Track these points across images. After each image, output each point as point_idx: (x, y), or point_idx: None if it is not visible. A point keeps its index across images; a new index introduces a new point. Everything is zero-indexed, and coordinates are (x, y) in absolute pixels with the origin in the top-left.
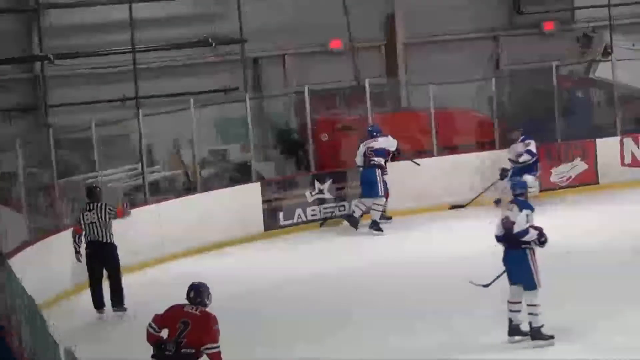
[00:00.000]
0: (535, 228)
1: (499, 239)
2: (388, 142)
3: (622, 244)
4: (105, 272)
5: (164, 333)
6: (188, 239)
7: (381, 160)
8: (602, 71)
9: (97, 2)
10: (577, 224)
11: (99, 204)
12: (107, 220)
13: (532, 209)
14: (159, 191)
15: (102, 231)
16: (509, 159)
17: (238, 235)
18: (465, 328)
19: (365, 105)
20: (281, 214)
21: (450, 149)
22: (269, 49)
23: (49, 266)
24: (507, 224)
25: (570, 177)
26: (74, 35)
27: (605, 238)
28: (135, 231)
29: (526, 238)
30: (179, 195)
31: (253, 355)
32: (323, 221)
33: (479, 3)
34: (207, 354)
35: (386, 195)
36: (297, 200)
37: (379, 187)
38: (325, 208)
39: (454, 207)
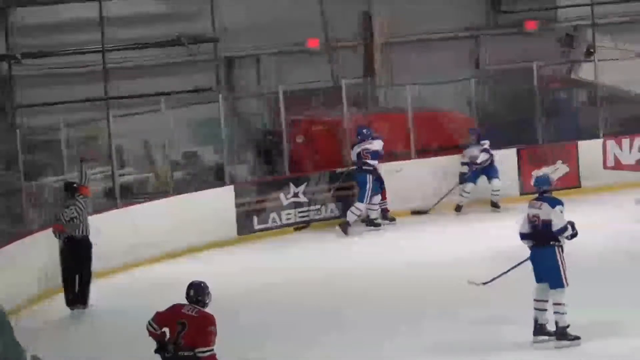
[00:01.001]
0: (568, 222)
1: (524, 236)
2: (381, 145)
3: (606, 247)
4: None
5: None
6: (160, 243)
7: (375, 163)
8: (585, 71)
9: (67, 0)
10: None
11: (73, 199)
12: (84, 210)
13: (562, 204)
14: (130, 194)
15: (80, 225)
16: (465, 163)
17: (211, 239)
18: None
19: (343, 107)
20: (255, 218)
21: (429, 151)
22: (244, 48)
23: (17, 271)
24: (537, 222)
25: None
26: (42, 34)
27: (588, 241)
28: (105, 235)
29: (565, 234)
30: (150, 198)
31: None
32: (303, 225)
33: (459, 2)
34: (200, 358)
35: (383, 195)
36: (272, 203)
37: (366, 195)
38: (300, 212)
39: (415, 212)
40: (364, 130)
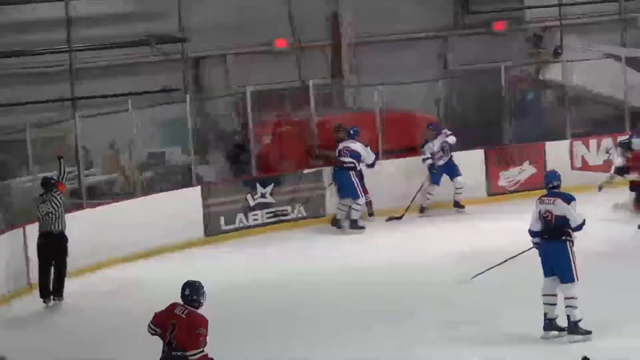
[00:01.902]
0: None
1: (535, 234)
2: (365, 152)
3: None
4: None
5: None
6: (127, 244)
7: (353, 162)
8: (553, 72)
9: (33, 0)
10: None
11: (50, 194)
12: (60, 206)
13: (575, 199)
14: (97, 195)
15: (57, 220)
16: (426, 158)
17: (178, 240)
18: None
19: (310, 107)
20: (222, 219)
21: (397, 152)
22: (211, 48)
23: None
24: (550, 217)
25: (519, 181)
26: (8, 34)
27: None
28: (71, 236)
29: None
30: (117, 199)
31: None
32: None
33: (427, 2)
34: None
35: (365, 190)
36: (239, 204)
37: (358, 190)
38: (267, 213)
39: (391, 218)
40: (351, 131)
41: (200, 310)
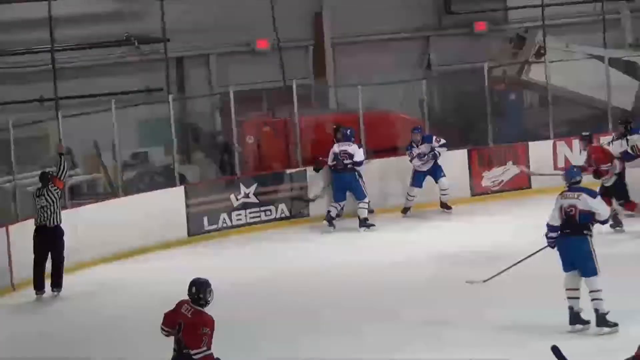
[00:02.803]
0: None
1: (554, 229)
2: (359, 153)
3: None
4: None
5: None
6: (109, 245)
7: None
8: (535, 73)
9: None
10: (509, 229)
11: (46, 188)
12: (55, 201)
13: (599, 193)
14: (79, 195)
15: (52, 215)
16: (415, 160)
17: (161, 240)
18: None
19: (292, 107)
20: (205, 219)
21: (378, 152)
22: (193, 48)
23: None
24: (574, 212)
25: (502, 181)
26: None
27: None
28: None
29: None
30: (99, 199)
31: None
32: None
33: (408, 2)
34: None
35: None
36: (222, 204)
37: (364, 190)
38: (251, 212)
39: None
40: (348, 132)
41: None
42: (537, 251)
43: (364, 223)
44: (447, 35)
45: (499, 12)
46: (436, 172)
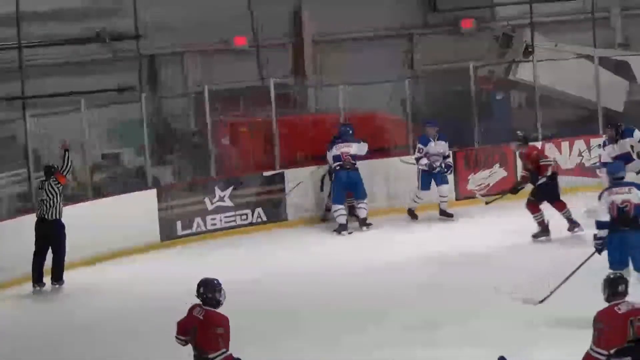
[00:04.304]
0: None
1: (604, 225)
2: (360, 148)
3: (548, 250)
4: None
5: None
6: (80, 248)
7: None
8: (523, 72)
9: None
10: (497, 232)
11: (48, 182)
12: (55, 195)
13: None
14: None
15: (51, 209)
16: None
17: (134, 244)
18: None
19: (270, 107)
20: (179, 223)
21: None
22: (167, 46)
23: None
24: (629, 207)
25: (489, 184)
26: None
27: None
28: (21, 241)
29: None
30: (68, 202)
31: None
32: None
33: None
34: None
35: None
36: (196, 207)
37: (365, 190)
38: (226, 217)
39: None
40: (349, 130)
41: (152, 316)
42: (586, 260)
43: (364, 222)
44: (432, 33)
45: (486, 9)
46: (439, 177)
